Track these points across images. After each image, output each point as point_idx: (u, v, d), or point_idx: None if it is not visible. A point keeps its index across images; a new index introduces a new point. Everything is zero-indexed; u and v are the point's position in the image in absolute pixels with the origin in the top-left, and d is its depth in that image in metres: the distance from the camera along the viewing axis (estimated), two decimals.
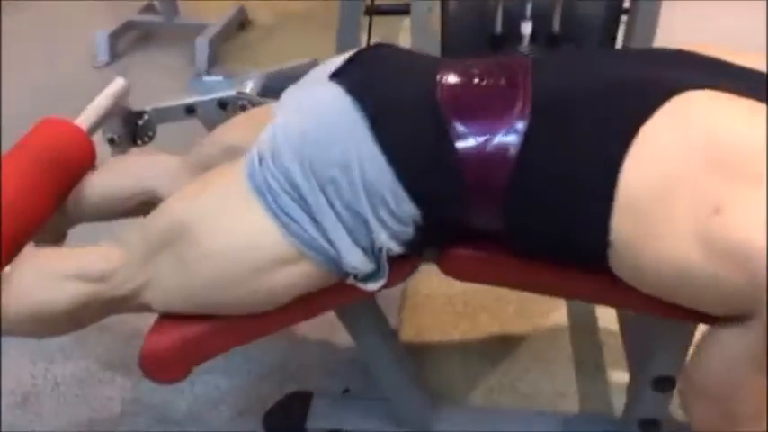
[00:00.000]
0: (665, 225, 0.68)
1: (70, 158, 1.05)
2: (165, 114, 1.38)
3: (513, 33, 1.27)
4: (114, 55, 2.48)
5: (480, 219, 0.80)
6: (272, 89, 1.40)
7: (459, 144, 0.76)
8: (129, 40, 2.60)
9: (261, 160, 0.79)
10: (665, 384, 0.99)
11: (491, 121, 0.76)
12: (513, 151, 0.75)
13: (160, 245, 0.82)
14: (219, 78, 1.40)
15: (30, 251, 0.91)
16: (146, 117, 1.36)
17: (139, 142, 1.40)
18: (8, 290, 0.85)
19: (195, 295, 0.82)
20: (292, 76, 1.41)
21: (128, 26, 2.57)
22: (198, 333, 0.86)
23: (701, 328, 0.88)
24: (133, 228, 0.87)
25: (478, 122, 0.77)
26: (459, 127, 0.76)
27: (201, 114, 1.39)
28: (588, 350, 1.36)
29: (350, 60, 0.85)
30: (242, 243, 0.78)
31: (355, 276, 0.80)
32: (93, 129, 1.19)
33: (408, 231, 0.80)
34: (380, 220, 0.77)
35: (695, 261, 0.67)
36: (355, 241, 0.77)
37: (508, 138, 0.75)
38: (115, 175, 1.10)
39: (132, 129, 1.37)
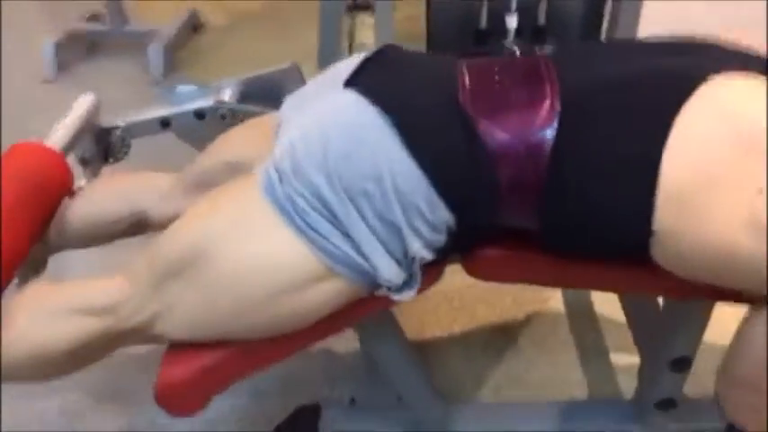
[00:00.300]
0: (709, 211, 0.68)
1: (52, 184, 0.99)
2: (139, 129, 1.30)
3: (497, 27, 1.26)
4: (61, 67, 2.35)
5: (513, 218, 0.79)
6: (251, 95, 1.35)
7: (491, 144, 0.74)
8: (74, 50, 2.47)
9: (281, 176, 0.75)
10: (682, 365, 0.99)
11: (520, 118, 0.75)
12: (546, 148, 0.73)
13: (171, 272, 0.77)
14: (193, 87, 1.33)
15: (24, 291, 0.85)
16: (118, 133, 1.29)
17: (111, 160, 1.33)
18: (3, 333, 0.78)
19: (216, 323, 0.78)
20: (271, 82, 1.38)
21: (73, 36, 2.43)
22: (216, 360, 0.81)
23: (718, 305, 0.89)
24: (139, 255, 0.81)
25: (507, 121, 0.75)
26: (488, 128, 0.74)
27: (176, 127, 1.32)
28: (589, 335, 1.37)
29: (361, 66, 0.81)
30: (267, 265, 0.74)
31: (388, 288, 0.77)
32: (68, 149, 1.12)
33: (441, 239, 0.78)
34: (415, 230, 0.75)
35: (741, 243, 0.67)
36: (389, 253, 0.75)
37: (540, 134, 0.73)
38: (101, 197, 1.04)
39: (105, 146, 1.29)
